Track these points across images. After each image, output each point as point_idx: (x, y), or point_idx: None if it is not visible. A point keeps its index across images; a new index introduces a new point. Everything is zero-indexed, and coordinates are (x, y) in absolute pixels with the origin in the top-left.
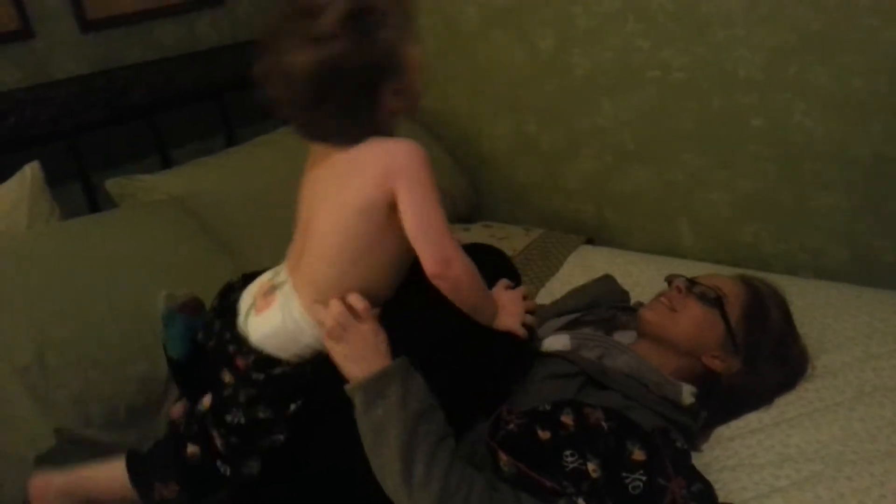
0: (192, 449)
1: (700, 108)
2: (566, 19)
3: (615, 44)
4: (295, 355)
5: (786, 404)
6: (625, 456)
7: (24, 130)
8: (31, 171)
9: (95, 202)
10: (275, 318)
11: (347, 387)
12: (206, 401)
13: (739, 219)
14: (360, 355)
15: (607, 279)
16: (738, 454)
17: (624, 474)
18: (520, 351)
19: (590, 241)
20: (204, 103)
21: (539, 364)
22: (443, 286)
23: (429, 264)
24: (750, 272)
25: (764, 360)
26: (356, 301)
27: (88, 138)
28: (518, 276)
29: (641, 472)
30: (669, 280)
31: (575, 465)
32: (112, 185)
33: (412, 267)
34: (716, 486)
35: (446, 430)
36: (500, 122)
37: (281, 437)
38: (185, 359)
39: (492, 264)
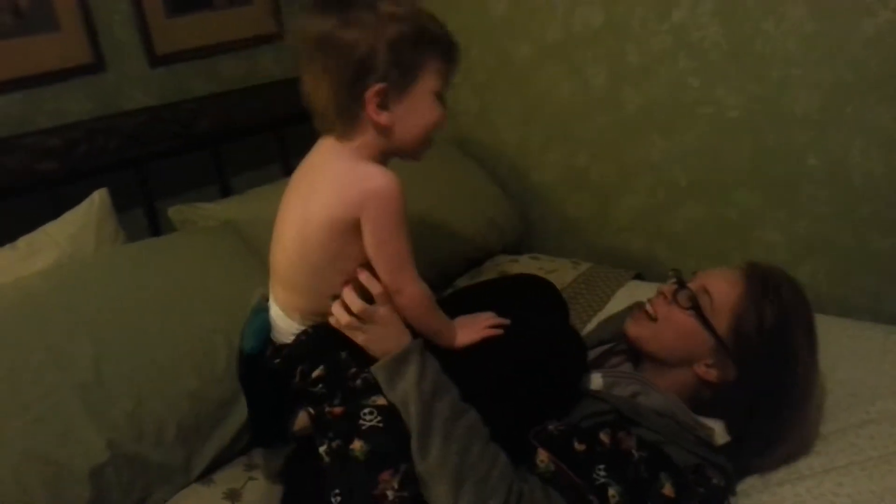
0: (358, 445)
1: (754, 145)
2: (618, 55)
3: (667, 80)
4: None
5: (837, 451)
6: (655, 487)
7: (94, 159)
8: (98, 198)
9: (158, 228)
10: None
11: (371, 368)
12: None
13: (795, 259)
14: (382, 338)
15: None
16: (784, 500)
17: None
18: (570, 391)
19: (639, 276)
20: (263, 135)
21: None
22: (400, 304)
23: (385, 292)
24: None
25: (763, 365)
26: (371, 284)
27: (154, 167)
28: (566, 307)
29: None
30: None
31: (603, 481)
32: (174, 211)
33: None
34: None
35: (462, 405)
36: (550, 155)
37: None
38: (253, 352)
39: (540, 295)
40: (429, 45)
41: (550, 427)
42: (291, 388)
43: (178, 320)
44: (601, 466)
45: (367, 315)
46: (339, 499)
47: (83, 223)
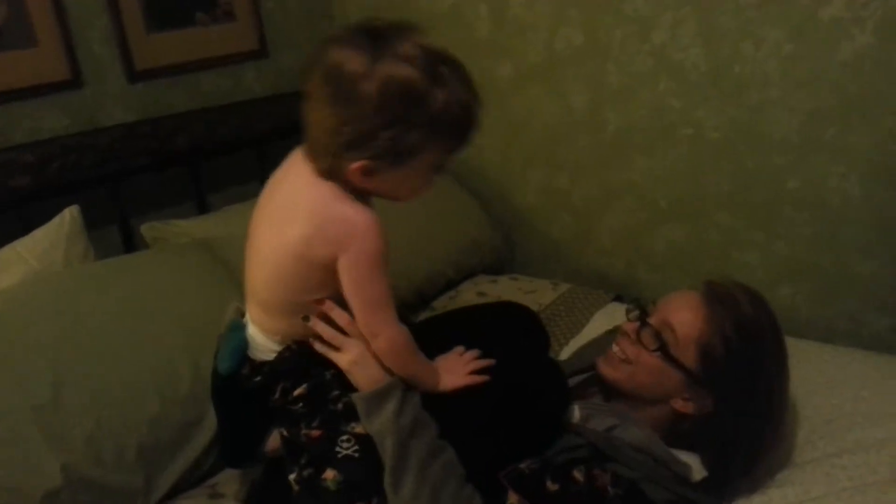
0: (331, 475)
1: (734, 167)
2: (599, 77)
3: (648, 102)
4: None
5: (812, 482)
6: None
7: (68, 175)
8: (69, 214)
9: (133, 246)
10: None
11: (353, 395)
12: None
13: (775, 282)
14: (367, 363)
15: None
16: None
17: None
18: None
19: (618, 298)
20: (243, 151)
21: None
22: (375, 348)
23: (364, 330)
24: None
25: (735, 389)
26: (338, 317)
27: (130, 184)
28: (546, 335)
29: None
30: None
31: None
32: (147, 228)
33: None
34: None
35: (439, 444)
36: (532, 176)
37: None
38: (229, 372)
39: (520, 323)
40: (438, 129)
41: (522, 466)
42: (269, 406)
43: (143, 340)
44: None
45: (353, 331)
46: None
47: (53, 240)
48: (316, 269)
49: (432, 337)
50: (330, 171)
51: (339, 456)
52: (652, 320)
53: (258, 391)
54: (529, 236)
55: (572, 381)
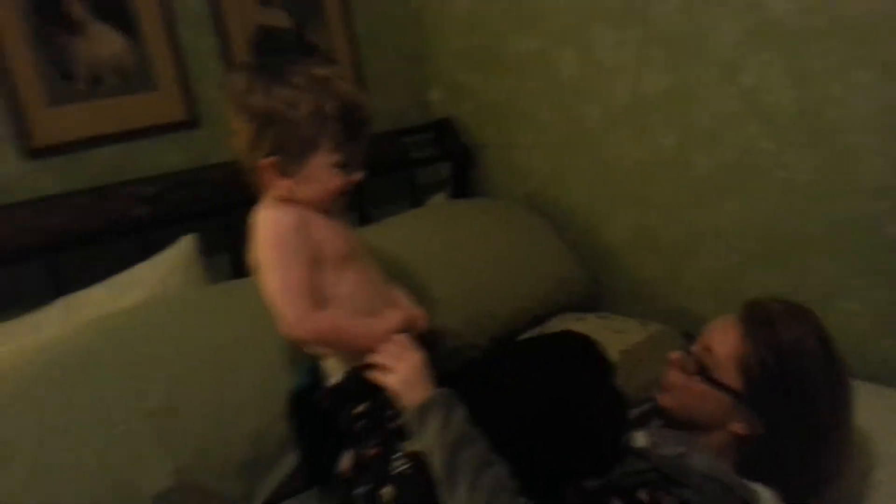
0: (387, 491)
1: (828, 212)
2: (687, 119)
3: (736, 144)
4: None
5: None
6: None
7: (184, 206)
8: (186, 243)
9: (241, 272)
10: None
11: (404, 414)
12: (372, 451)
13: (877, 330)
14: (411, 382)
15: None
16: None
17: None
18: (607, 445)
19: None
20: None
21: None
22: (298, 341)
23: (280, 325)
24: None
25: (782, 403)
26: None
27: (240, 215)
28: (607, 362)
29: None
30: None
31: None
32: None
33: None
34: None
35: (489, 457)
36: (620, 216)
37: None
38: (300, 388)
39: (577, 349)
40: (326, 126)
41: (586, 483)
42: (339, 427)
43: (249, 360)
44: None
45: (396, 355)
46: None
47: (171, 266)
48: None
49: (497, 363)
50: (259, 181)
51: (394, 473)
52: (695, 348)
53: (330, 414)
54: (618, 276)
55: (638, 410)
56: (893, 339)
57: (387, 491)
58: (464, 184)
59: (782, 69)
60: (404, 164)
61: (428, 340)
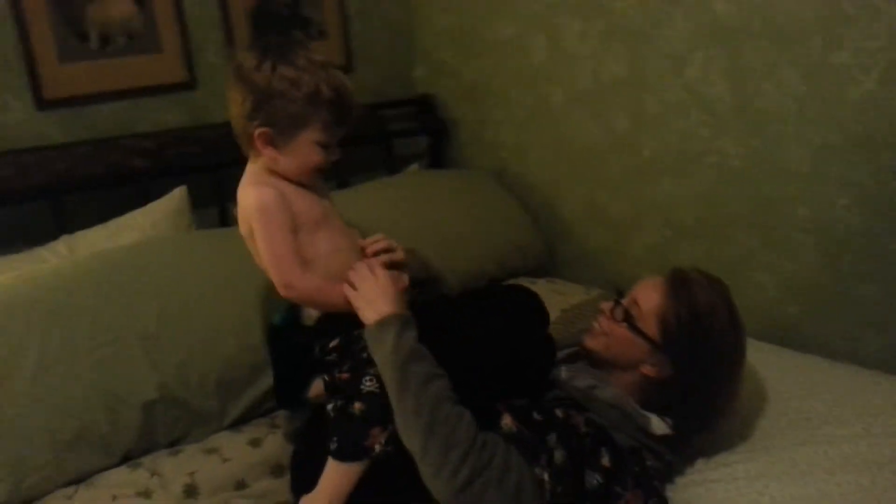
0: (357, 405)
1: (753, 193)
2: (638, 105)
3: (679, 130)
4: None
5: (775, 461)
6: (594, 458)
7: (179, 161)
8: (178, 194)
9: (227, 223)
10: None
11: (362, 332)
12: (344, 375)
13: (783, 300)
14: (371, 299)
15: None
16: (716, 494)
17: (587, 470)
18: (538, 380)
19: None
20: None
21: None
22: (293, 299)
23: (277, 287)
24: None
25: (690, 354)
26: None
27: (230, 172)
28: (545, 314)
29: (602, 474)
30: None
31: (552, 446)
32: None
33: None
34: None
35: (436, 371)
36: (575, 191)
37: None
38: (280, 325)
39: (522, 300)
40: (317, 106)
41: (514, 402)
42: (311, 359)
43: (227, 294)
44: (553, 434)
45: (363, 273)
46: (335, 445)
47: (164, 213)
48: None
49: (446, 308)
50: (248, 146)
51: (364, 391)
52: (625, 300)
53: (303, 348)
54: (570, 245)
55: (563, 353)
56: (798, 308)
57: (357, 406)
58: (439, 157)
59: (722, 64)
60: (383, 135)
61: (420, 282)
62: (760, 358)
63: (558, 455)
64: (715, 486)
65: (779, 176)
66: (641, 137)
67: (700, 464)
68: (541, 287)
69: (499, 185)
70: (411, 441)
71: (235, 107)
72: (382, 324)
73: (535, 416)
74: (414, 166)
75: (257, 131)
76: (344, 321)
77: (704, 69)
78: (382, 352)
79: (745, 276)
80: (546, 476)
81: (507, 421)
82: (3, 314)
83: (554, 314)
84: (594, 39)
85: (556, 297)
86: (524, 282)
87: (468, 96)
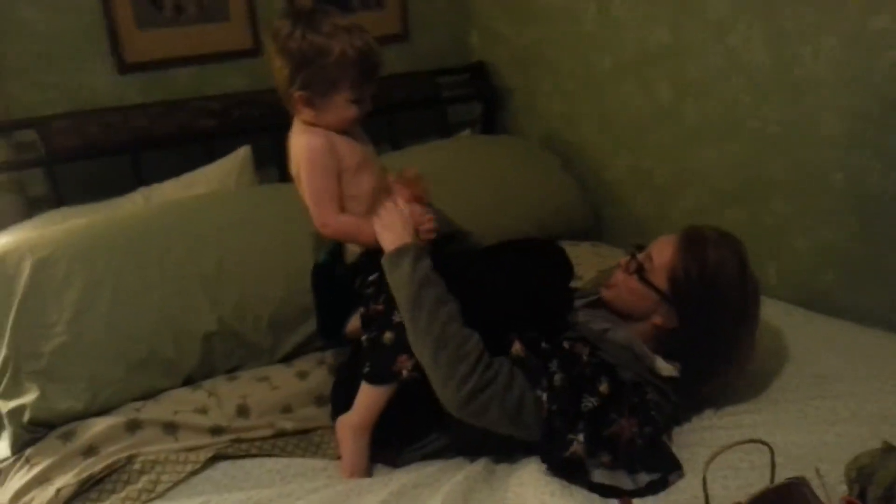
0: (388, 335)
1: (790, 160)
2: (681, 73)
3: (720, 97)
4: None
5: (782, 412)
6: (593, 384)
7: (244, 122)
8: (243, 153)
9: (285, 180)
10: None
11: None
12: (379, 307)
13: (819, 266)
14: (392, 229)
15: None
16: (718, 439)
17: (584, 395)
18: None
19: None
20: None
21: None
22: (330, 236)
23: (316, 225)
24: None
25: (696, 307)
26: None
27: (287, 133)
28: (570, 267)
29: (598, 399)
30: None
31: (553, 370)
32: None
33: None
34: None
35: (447, 296)
36: (620, 158)
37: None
38: (324, 263)
39: (550, 254)
40: (347, 70)
41: (526, 334)
42: (351, 294)
43: (281, 243)
44: (555, 360)
45: (388, 205)
46: (367, 370)
47: (229, 169)
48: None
49: (470, 257)
50: (290, 105)
51: (395, 322)
52: (640, 255)
53: (343, 284)
54: (615, 211)
55: (585, 300)
56: (832, 276)
57: (388, 336)
58: (492, 124)
59: (763, 31)
60: (438, 101)
61: (448, 235)
62: (790, 321)
63: (557, 378)
64: (719, 432)
65: (815, 142)
66: (684, 104)
67: (708, 412)
68: (583, 250)
69: (545, 151)
70: (422, 355)
71: (277, 73)
72: (400, 250)
73: (543, 345)
74: (466, 132)
75: (297, 94)
76: (380, 256)
77: (746, 36)
78: (399, 275)
79: (784, 242)
80: (545, 396)
81: (516, 347)
82: (86, 252)
83: (591, 274)
84: (641, 7)
85: (597, 259)
86: (568, 245)
87: (521, 64)
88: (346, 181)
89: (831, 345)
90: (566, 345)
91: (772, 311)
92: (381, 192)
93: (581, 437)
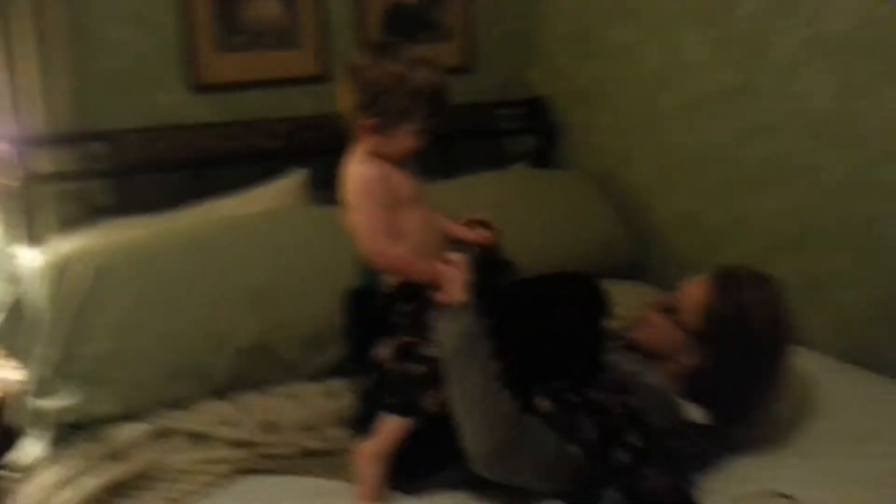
0: (419, 368)
1: (847, 210)
2: (745, 114)
3: (783, 141)
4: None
5: (804, 466)
6: (624, 437)
7: (306, 145)
8: (301, 174)
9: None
10: None
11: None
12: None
13: (868, 322)
14: (458, 282)
15: None
16: (745, 489)
17: (617, 449)
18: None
19: None
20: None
21: None
22: (381, 266)
23: (369, 254)
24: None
25: (727, 348)
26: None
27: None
28: (603, 302)
29: (631, 454)
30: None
31: (582, 424)
32: None
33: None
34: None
35: (492, 357)
36: (673, 198)
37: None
38: (360, 287)
39: (587, 294)
40: (420, 102)
41: (553, 384)
42: (383, 323)
43: (327, 264)
44: (584, 413)
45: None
46: (393, 400)
47: (287, 190)
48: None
49: (514, 293)
50: (356, 135)
51: (427, 356)
52: (674, 294)
53: (377, 312)
54: (664, 251)
55: (615, 343)
56: (882, 330)
57: (418, 369)
58: (547, 158)
59: (830, 78)
60: (494, 133)
61: (494, 263)
62: (832, 375)
63: (590, 433)
64: (746, 482)
65: (875, 194)
66: (744, 147)
67: (737, 461)
68: (625, 289)
69: (597, 187)
70: (460, 411)
71: (347, 100)
72: (464, 305)
73: (571, 397)
74: (520, 164)
75: (365, 122)
76: (419, 290)
77: (812, 82)
78: (454, 328)
79: (834, 294)
80: (577, 452)
81: (544, 403)
82: (142, 262)
83: (631, 314)
84: (708, 48)
85: (638, 299)
86: (610, 283)
87: (580, 99)
88: (398, 215)
89: (873, 403)
90: (593, 395)
91: (816, 365)
92: (433, 232)
93: (614, 492)
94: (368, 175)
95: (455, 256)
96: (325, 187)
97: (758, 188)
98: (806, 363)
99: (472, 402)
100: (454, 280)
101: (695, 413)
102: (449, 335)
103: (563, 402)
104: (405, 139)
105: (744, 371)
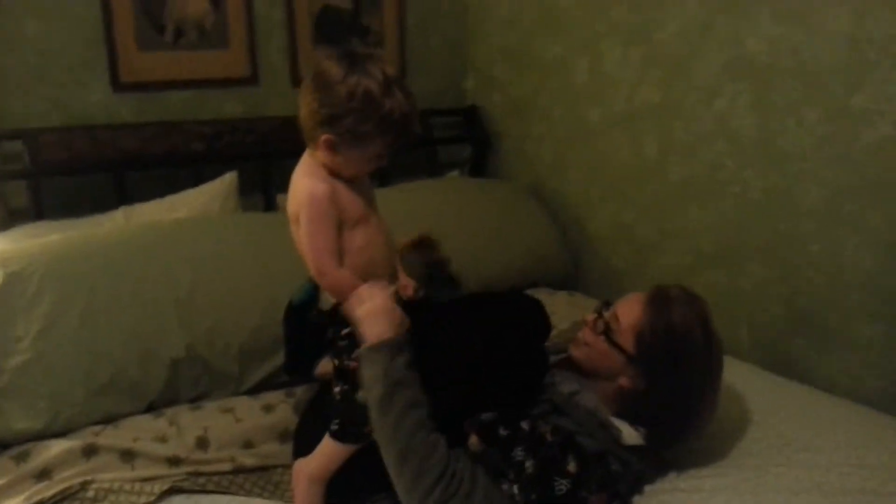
0: (361, 394)
1: (769, 226)
2: (669, 131)
3: (705, 158)
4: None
5: (743, 479)
6: (561, 465)
7: (233, 149)
8: (228, 178)
9: (270, 209)
10: None
11: (358, 351)
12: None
13: (792, 332)
14: (374, 321)
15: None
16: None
17: (555, 478)
18: (532, 385)
19: None
20: None
21: None
22: (323, 286)
23: (313, 273)
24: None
25: (663, 370)
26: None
27: (276, 163)
28: (546, 322)
29: (569, 480)
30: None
31: (520, 458)
32: (282, 198)
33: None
34: None
35: (418, 399)
36: (604, 210)
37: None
38: (299, 304)
39: (526, 309)
40: (386, 129)
41: (483, 417)
42: (324, 340)
43: (258, 272)
44: (520, 447)
45: (368, 294)
46: (336, 426)
47: (214, 194)
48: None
49: (451, 310)
50: (311, 143)
51: None
52: (607, 313)
53: (317, 328)
54: (595, 262)
55: (557, 357)
56: (805, 341)
57: (361, 395)
58: (481, 166)
59: (749, 99)
60: (429, 141)
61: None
62: (758, 385)
63: (528, 465)
64: (680, 496)
65: (795, 212)
66: (669, 163)
67: (671, 475)
68: (560, 299)
69: (531, 197)
70: (388, 458)
71: (308, 109)
72: (377, 347)
73: (502, 431)
74: (454, 173)
75: (324, 137)
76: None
77: (732, 102)
78: (374, 372)
79: (760, 306)
80: (515, 489)
81: (473, 441)
82: (59, 268)
83: (566, 325)
84: (633, 65)
85: (573, 309)
86: (544, 293)
87: (514, 110)
88: (343, 233)
89: (798, 412)
90: (525, 425)
91: (741, 374)
92: (381, 249)
93: None
94: (316, 192)
95: (380, 287)
96: (254, 191)
97: (684, 203)
98: (730, 373)
99: (398, 455)
100: (371, 313)
101: (628, 433)
102: (368, 382)
103: (493, 438)
104: (361, 161)
105: (678, 392)
